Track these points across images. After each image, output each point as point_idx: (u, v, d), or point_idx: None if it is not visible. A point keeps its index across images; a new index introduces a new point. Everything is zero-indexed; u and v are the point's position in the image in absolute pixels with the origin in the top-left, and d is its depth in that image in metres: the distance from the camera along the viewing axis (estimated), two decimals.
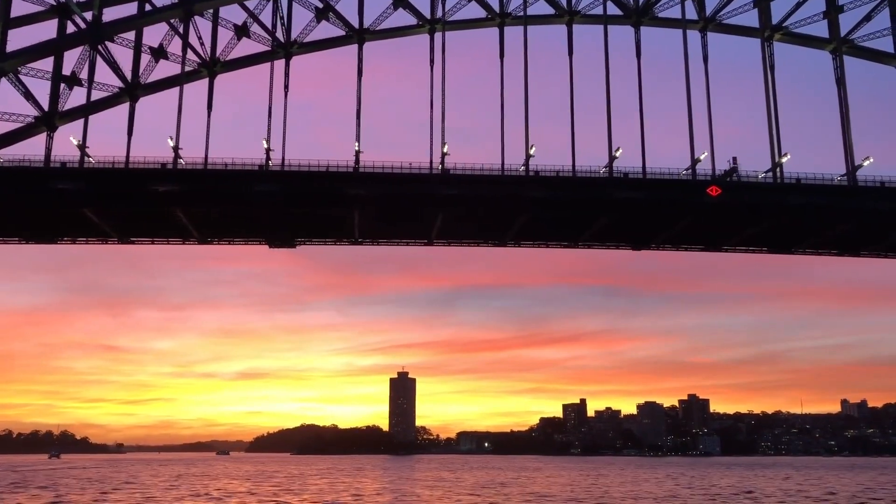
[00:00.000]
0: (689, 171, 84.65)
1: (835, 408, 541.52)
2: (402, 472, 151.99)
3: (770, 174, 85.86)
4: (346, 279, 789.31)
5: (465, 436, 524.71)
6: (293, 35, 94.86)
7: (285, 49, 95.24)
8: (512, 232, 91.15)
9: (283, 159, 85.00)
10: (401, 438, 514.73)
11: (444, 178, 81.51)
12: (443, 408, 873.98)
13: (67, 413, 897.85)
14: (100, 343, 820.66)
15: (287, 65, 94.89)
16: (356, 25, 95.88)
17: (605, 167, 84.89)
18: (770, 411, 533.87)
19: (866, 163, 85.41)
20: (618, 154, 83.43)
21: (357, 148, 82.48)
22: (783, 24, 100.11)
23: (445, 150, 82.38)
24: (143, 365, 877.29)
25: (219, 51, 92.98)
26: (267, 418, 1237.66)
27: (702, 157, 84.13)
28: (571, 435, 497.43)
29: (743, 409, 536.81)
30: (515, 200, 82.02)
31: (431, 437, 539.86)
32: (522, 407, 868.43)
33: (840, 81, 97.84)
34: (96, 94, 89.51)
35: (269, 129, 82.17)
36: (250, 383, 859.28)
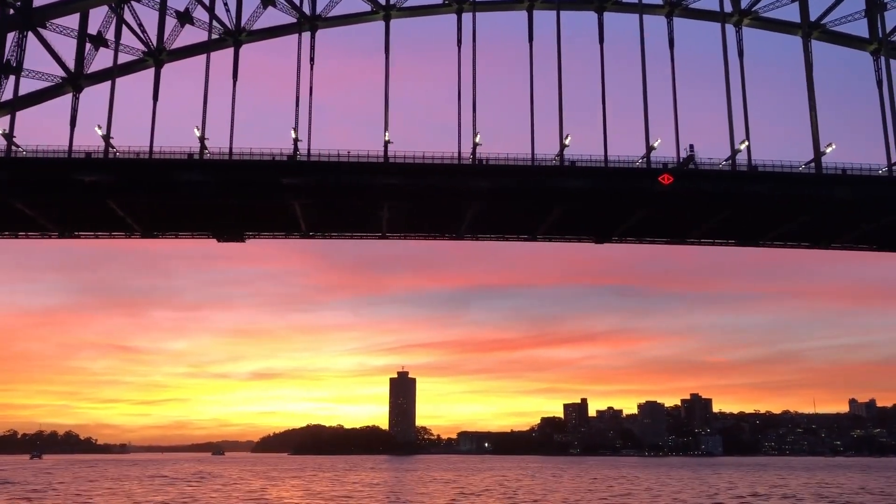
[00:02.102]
0: (644, 159, 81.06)
1: (844, 407, 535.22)
2: (350, 475, 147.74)
3: (729, 162, 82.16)
4: (359, 279, 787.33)
5: (465, 436, 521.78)
6: (242, 22, 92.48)
7: (234, 37, 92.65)
8: (465, 225, 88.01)
9: (231, 149, 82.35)
10: (400, 438, 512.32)
11: (385, 167, 78.22)
12: (452, 408, 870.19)
13: (82, 413, 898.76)
14: (115, 343, 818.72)
15: (236, 53, 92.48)
16: (307, 11, 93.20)
17: (557, 155, 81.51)
18: (778, 411, 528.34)
19: (829, 150, 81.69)
20: (568, 142, 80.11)
21: (295, 136, 79.40)
22: (752, 9, 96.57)
23: (387, 137, 79.26)
24: (157, 365, 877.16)
25: (165, 39, 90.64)
26: (279, 418, 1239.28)
27: (656, 145, 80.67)
28: (571, 435, 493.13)
29: (752, 409, 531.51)
30: (462, 191, 78.71)
31: (432, 438, 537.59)
32: (534, 407, 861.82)
33: (810, 67, 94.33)
34: (39, 84, 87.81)
35: (204, 117, 79.29)
36: (264, 384, 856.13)
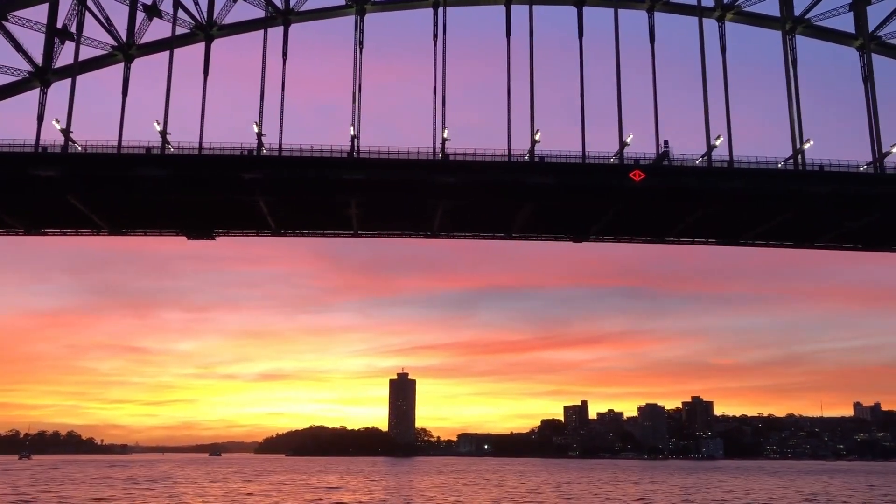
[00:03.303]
0: (617, 155, 79.15)
1: (849, 411, 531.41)
2: (303, 476, 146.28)
3: (705, 159, 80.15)
4: (367, 280, 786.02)
5: (464, 438, 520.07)
6: (213, 16, 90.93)
7: (205, 31, 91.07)
8: (437, 222, 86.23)
9: (201, 144, 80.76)
10: (400, 440, 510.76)
11: (349, 162, 76.50)
12: (457, 410, 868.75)
13: (90, 414, 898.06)
14: (124, 344, 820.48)
15: (207, 47, 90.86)
16: (280, 5, 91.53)
17: (528, 151, 79.70)
18: (782, 414, 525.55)
19: (807, 146, 79.71)
20: (538, 138, 78.19)
21: (258, 130, 77.59)
22: (735, 3, 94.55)
23: (353, 131, 77.45)
24: (165, 366, 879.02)
25: (136, 33, 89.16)
26: (287, 420, 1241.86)
27: (629, 140, 78.70)
28: (570, 437, 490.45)
29: (756, 412, 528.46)
30: (428, 187, 76.89)
31: (431, 440, 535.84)
32: (539, 409, 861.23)
33: (794, 63, 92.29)
34: (5, 78, 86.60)
35: (166, 112, 77.57)
36: (271, 385, 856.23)
